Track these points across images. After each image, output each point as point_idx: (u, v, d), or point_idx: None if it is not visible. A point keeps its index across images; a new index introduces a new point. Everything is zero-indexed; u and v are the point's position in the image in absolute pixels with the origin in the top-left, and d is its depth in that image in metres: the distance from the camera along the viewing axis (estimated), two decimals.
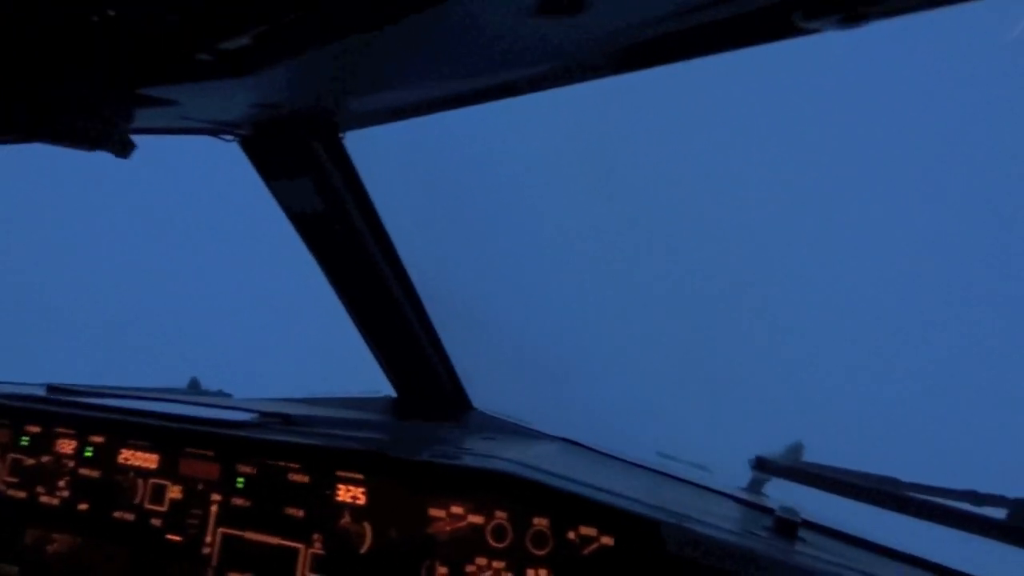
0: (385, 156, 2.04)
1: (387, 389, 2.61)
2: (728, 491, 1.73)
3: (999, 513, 1.39)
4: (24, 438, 1.63)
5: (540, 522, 1.18)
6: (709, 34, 1.03)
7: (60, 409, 1.63)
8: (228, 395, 2.99)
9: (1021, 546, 1.33)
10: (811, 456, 2.11)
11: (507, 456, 1.36)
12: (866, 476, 1.69)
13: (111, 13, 0.98)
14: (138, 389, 2.46)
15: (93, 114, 1.33)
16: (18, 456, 1.63)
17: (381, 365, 2.46)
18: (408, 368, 2.41)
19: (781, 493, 2.08)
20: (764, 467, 1.89)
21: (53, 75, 1.18)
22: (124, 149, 1.55)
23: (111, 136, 1.46)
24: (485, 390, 2.51)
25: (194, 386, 3.00)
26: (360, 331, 2.35)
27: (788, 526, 1.26)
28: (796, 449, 2.05)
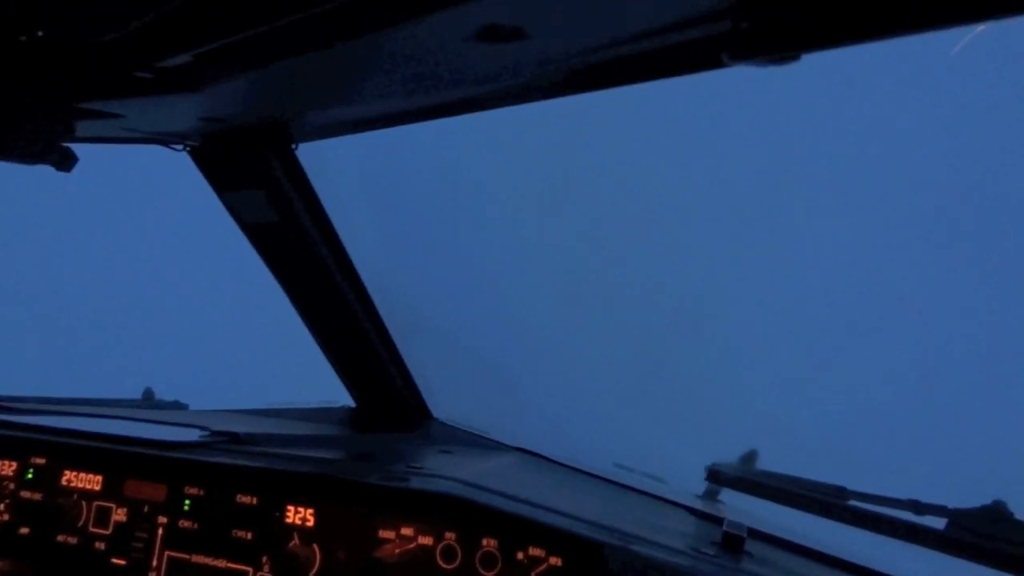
0: (339, 166, 2.02)
1: (346, 398, 2.59)
2: (682, 501, 1.75)
3: (939, 523, 1.43)
4: None
5: (489, 543, 1.18)
6: (646, 63, 1.04)
7: (1, 431, 1.58)
8: (184, 405, 2.94)
9: (958, 556, 1.37)
10: (767, 462, 2.16)
11: (459, 475, 1.36)
12: (814, 485, 1.73)
13: (40, 34, 0.95)
14: (87, 401, 2.40)
15: (32, 129, 1.29)
16: None
17: (339, 375, 2.44)
18: (366, 378, 2.39)
19: (737, 499, 2.12)
20: (716, 478, 1.92)
21: None
22: (65, 162, 1.51)
23: (52, 150, 1.43)
24: (445, 399, 2.51)
25: (148, 396, 2.93)
26: (317, 342, 2.33)
27: (735, 541, 1.28)
28: (750, 457, 2.09)
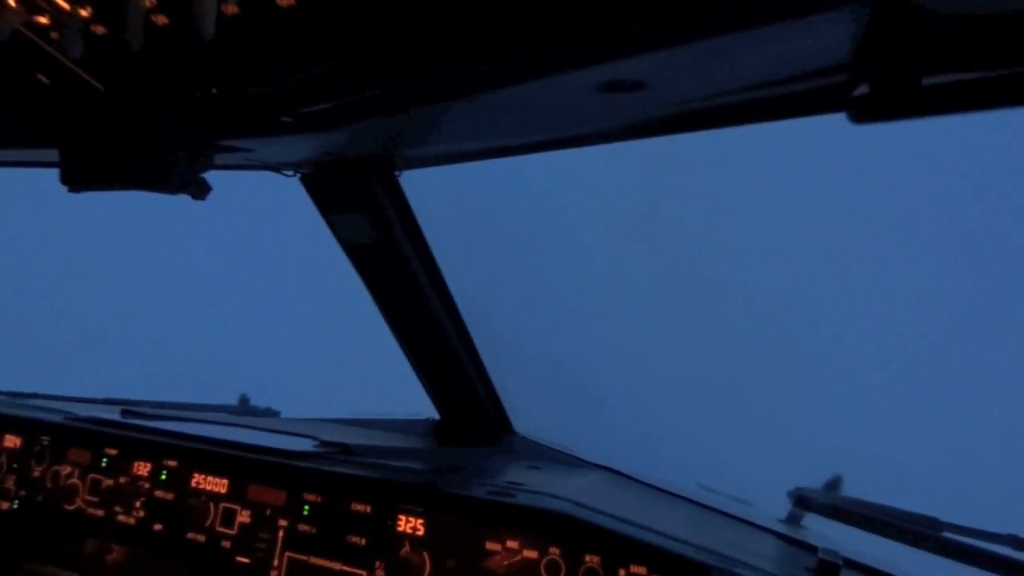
0: (438, 192, 2.13)
1: (419, 408, 2.70)
2: (769, 526, 1.77)
3: None
4: (104, 460, 1.75)
5: (592, 559, 1.25)
6: (758, 108, 1.10)
7: (137, 435, 1.74)
8: (276, 412, 3.11)
9: None
10: (850, 490, 2.14)
11: (559, 492, 1.43)
12: (905, 515, 1.72)
13: (214, 91, 1.09)
14: (199, 407, 2.59)
15: (182, 164, 1.44)
16: (98, 476, 1.74)
17: (426, 389, 2.54)
18: (453, 392, 2.49)
19: (821, 525, 2.11)
20: (804, 503, 1.92)
21: (151, 133, 1.29)
22: (201, 191, 1.66)
23: (192, 181, 1.58)
24: (525, 414, 2.58)
25: (244, 402, 3.12)
26: (408, 357, 2.43)
27: (830, 569, 1.30)
28: (835, 483, 2.08)
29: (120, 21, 0.91)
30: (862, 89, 0.82)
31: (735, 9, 0.80)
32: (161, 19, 0.92)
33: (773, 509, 2.23)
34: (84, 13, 0.93)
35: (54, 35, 1.01)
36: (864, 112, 0.79)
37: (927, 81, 0.76)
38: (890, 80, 0.79)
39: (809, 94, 1.03)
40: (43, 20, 0.98)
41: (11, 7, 0.96)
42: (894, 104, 0.77)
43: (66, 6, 0.93)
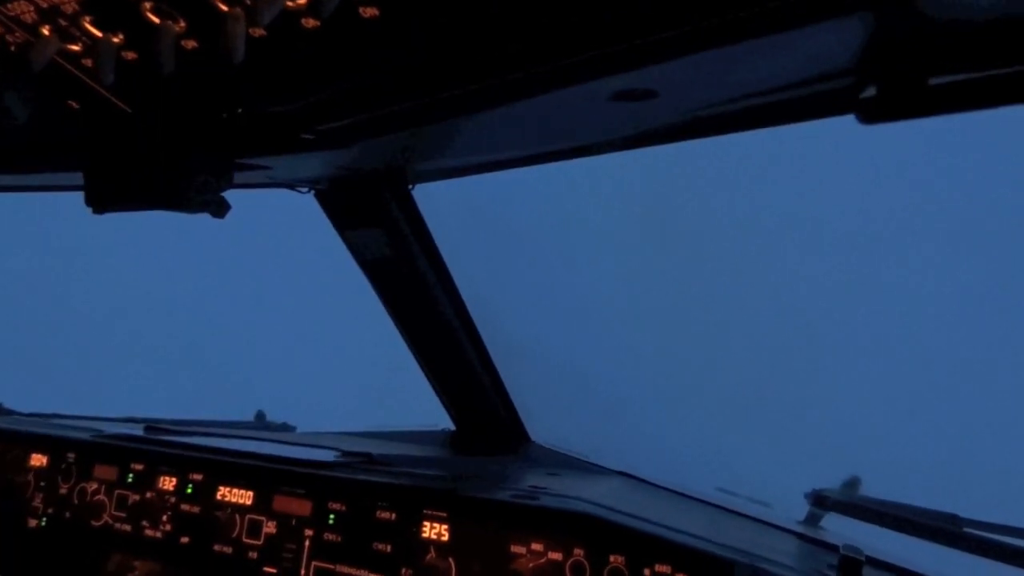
0: (451, 203, 2.16)
1: (430, 421, 2.73)
2: (789, 527, 1.78)
3: None
4: (130, 475, 1.78)
5: (616, 559, 1.26)
6: (767, 112, 1.13)
7: (163, 450, 1.77)
8: (292, 427, 3.14)
9: None
10: (867, 491, 2.15)
11: (581, 495, 1.45)
12: (925, 512, 1.73)
13: (240, 111, 1.12)
14: (219, 424, 2.62)
15: (204, 183, 1.48)
16: (124, 492, 1.77)
17: (442, 400, 2.56)
18: (468, 403, 2.51)
19: (838, 527, 2.12)
20: (822, 503, 1.93)
21: (176, 153, 1.33)
22: (221, 210, 1.70)
23: (213, 200, 1.61)
24: (541, 422, 2.60)
25: (260, 418, 3.15)
26: (422, 368, 2.46)
27: (853, 565, 1.31)
28: (853, 484, 2.09)
29: (151, 46, 0.94)
30: (870, 91, 0.84)
31: (744, 17, 0.82)
32: (191, 43, 0.95)
33: (791, 511, 2.24)
34: (116, 40, 0.97)
35: (86, 62, 1.05)
36: (872, 113, 0.82)
37: (933, 81, 0.79)
38: (897, 81, 0.82)
39: (818, 97, 1.05)
40: (76, 48, 1.02)
41: (46, 37, 1.00)
42: (901, 104, 0.80)
43: (99, 33, 0.97)
